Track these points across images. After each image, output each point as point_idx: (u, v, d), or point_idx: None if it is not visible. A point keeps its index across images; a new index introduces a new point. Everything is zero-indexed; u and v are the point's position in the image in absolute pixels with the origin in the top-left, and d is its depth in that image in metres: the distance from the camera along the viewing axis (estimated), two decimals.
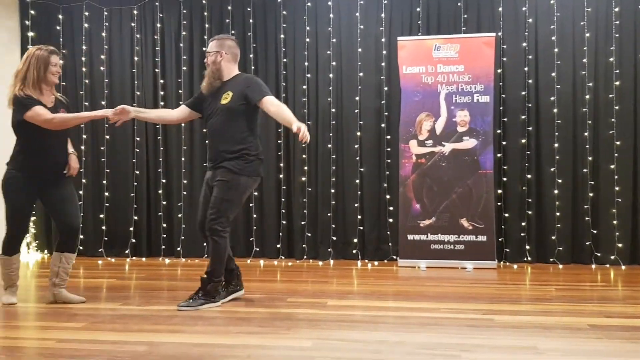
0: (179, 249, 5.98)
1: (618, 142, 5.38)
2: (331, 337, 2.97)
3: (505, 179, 5.56)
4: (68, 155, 3.82)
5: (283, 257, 5.84)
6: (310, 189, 5.87)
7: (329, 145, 5.83)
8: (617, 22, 5.41)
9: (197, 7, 6.02)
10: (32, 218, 6.19)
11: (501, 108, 5.56)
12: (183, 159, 6.02)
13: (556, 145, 5.47)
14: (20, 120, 3.60)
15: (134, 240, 6.05)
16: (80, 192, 6.10)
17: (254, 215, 5.92)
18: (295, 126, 3.33)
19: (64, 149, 3.82)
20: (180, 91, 6.04)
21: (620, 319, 3.36)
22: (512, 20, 5.59)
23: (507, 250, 5.54)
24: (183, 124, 6.00)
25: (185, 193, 6.01)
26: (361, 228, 5.80)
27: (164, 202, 6.06)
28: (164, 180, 6.07)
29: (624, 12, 5.42)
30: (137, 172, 6.08)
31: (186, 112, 3.91)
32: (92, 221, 6.13)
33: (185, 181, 6.02)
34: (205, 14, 5.99)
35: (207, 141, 3.75)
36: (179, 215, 6.01)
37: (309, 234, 5.84)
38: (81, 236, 6.09)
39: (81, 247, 6.10)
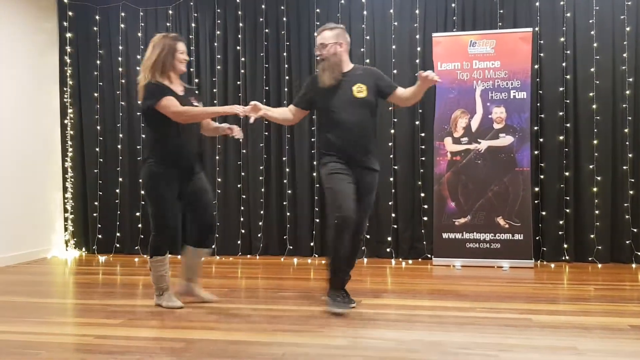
0: (213, 247, 6.03)
1: None
2: (366, 335, 2.97)
3: (542, 177, 5.45)
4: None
5: (316, 256, 5.86)
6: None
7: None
8: None
9: (231, 6, 6.07)
10: (71, 216, 6.38)
11: (538, 104, 5.45)
12: (217, 157, 6.07)
13: (595, 142, 5.33)
14: (152, 107, 3.49)
15: None
16: (117, 191, 6.23)
17: (288, 214, 5.94)
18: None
19: (198, 137, 3.79)
20: (214, 90, 6.10)
21: None
22: (549, 14, 5.47)
23: (545, 249, 5.44)
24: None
25: (219, 191, 6.06)
26: (395, 226, 5.77)
27: None
28: None
29: None
30: None
31: (299, 112, 3.80)
32: (129, 219, 6.24)
33: (219, 179, 6.07)
34: (239, 12, 6.03)
35: (330, 135, 3.55)
36: (214, 213, 6.05)
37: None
38: (118, 234, 6.24)
39: (117, 245, 6.24)
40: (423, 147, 5.69)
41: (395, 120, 5.75)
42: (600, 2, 5.36)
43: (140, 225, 6.17)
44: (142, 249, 6.14)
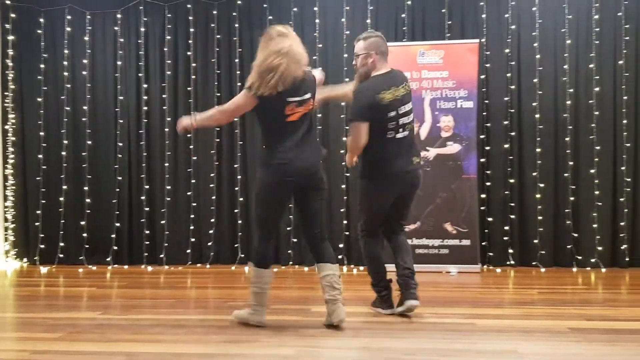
0: (162, 256, 5.92)
1: (598, 147, 5.44)
2: (314, 344, 2.97)
3: (488, 184, 5.60)
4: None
5: None
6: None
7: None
8: (597, 29, 5.48)
9: (181, 11, 5.99)
10: (11, 225, 6.15)
11: (484, 113, 5.60)
12: (167, 164, 5.98)
13: (538, 150, 5.52)
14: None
15: (115, 248, 5.97)
16: (61, 199, 6.04)
17: (239, 222, 5.90)
18: None
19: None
20: (164, 96, 6.00)
21: (600, 321, 3.40)
22: (495, 26, 5.64)
23: (491, 254, 5.57)
24: (167, 129, 5.98)
25: (169, 199, 5.96)
26: (347, 233, 5.79)
27: (147, 209, 5.99)
28: (147, 187, 6.01)
29: (603, 19, 5.49)
30: (120, 178, 6.01)
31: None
32: (73, 228, 6.05)
33: (169, 187, 5.97)
34: (190, 18, 5.96)
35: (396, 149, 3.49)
36: (162, 222, 5.95)
37: (295, 240, 5.81)
38: (61, 244, 6.04)
39: (61, 255, 6.03)
40: None
41: (347, 128, 5.78)
42: (543, 16, 5.55)
43: (85, 235, 6.00)
44: (87, 259, 5.97)
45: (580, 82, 5.53)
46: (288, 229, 5.81)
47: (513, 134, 5.58)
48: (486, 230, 5.58)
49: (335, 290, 3.23)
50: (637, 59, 5.47)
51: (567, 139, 5.51)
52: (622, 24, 5.45)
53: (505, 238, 5.55)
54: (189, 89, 5.99)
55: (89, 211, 6.02)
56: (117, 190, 6.01)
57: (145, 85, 6.02)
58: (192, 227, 5.94)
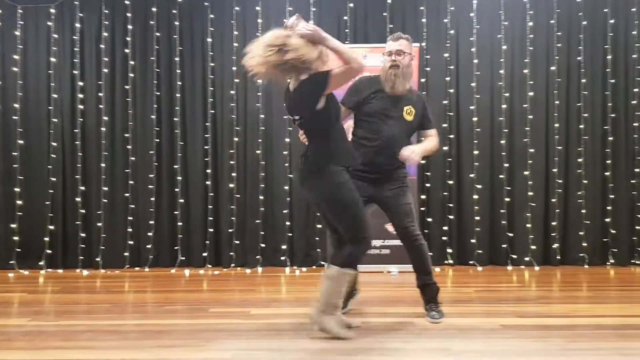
0: (98, 259, 5.74)
1: (531, 150, 5.65)
2: (251, 347, 2.94)
3: (428, 185, 5.71)
4: None
5: (210, 266, 5.74)
6: (238, 196, 5.80)
7: (258, 152, 5.78)
8: (531, 36, 5.68)
9: (119, 7, 5.83)
10: None
11: None
12: (103, 165, 5.80)
13: (475, 152, 5.67)
14: None
15: (49, 251, 5.74)
16: None
17: (179, 224, 5.79)
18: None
19: None
20: (100, 94, 5.82)
21: (531, 318, 3.51)
22: (434, 31, 5.76)
23: (430, 253, 5.61)
24: (103, 129, 5.81)
25: (105, 201, 5.79)
26: (290, 235, 5.78)
27: (83, 211, 5.80)
28: (82, 188, 5.81)
29: (537, 27, 5.70)
30: (53, 179, 5.79)
31: (347, 113, 3.54)
32: (3, 231, 5.78)
33: (105, 188, 5.80)
34: (129, 14, 5.81)
35: (365, 142, 3.43)
36: (99, 224, 5.77)
37: (237, 242, 5.76)
38: None
39: None
40: None
41: (291, 129, 5.78)
42: (480, 22, 5.71)
43: (16, 238, 5.74)
44: (19, 263, 5.71)
45: (515, 86, 5.73)
46: (230, 231, 5.74)
47: (452, 136, 5.71)
48: (426, 231, 5.68)
49: None
50: (568, 65, 5.71)
51: (502, 141, 5.69)
52: (554, 32, 5.68)
53: (444, 238, 5.68)
54: (126, 87, 5.83)
55: (20, 213, 5.77)
56: (51, 191, 5.79)
57: (80, 83, 5.82)
58: (130, 230, 5.79)
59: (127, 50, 5.83)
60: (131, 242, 5.78)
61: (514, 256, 5.65)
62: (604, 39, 5.70)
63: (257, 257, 5.73)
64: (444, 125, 5.69)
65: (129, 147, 5.83)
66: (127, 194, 5.81)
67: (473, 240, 5.63)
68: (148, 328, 3.36)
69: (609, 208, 5.66)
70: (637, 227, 5.63)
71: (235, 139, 5.80)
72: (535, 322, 3.39)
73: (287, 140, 5.78)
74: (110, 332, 3.28)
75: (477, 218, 5.64)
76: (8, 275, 5.46)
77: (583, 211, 5.63)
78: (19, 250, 5.74)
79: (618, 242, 5.63)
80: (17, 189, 5.78)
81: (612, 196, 5.66)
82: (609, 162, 5.67)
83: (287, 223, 5.76)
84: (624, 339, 2.98)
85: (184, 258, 5.76)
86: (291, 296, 4.37)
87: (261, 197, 5.78)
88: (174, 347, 2.94)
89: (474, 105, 5.69)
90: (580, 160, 5.66)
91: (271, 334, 3.18)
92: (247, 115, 5.82)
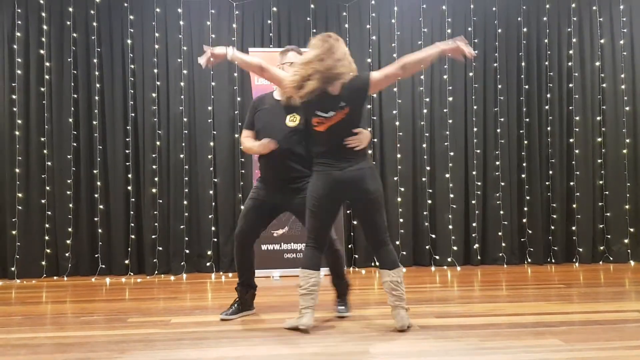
0: (13, 269, 5.47)
1: (452, 153, 5.85)
2: (167, 357, 2.88)
3: None
4: None
5: (132, 274, 5.59)
6: (161, 201, 5.68)
7: (182, 156, 5.69)
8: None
9: (33, 6, 5.58)
10: None
11: None
12: (17, 170, 5.53)
13: (398, 156, 5.81)
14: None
15: None
16: None
17: (99, 230, 5.60)
18: None
19: None
20: (14, 96, 5.55)
21: (450, 318, 3.61)
22: (357, 37, 5.86)
23: (356, 256, 5.78)
24: (17, 132, 5.55)
25: (20, 208, 5.52)
26: (215, 240, 5.72)
27: None
28: None
29: (455, 33, 5.85)
30: None
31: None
32: None
33: (20, 194, 5.53)
34: (43, 14, 5.57)
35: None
36: (13, 232, 5.50)
37: (161, 248, 5.64)
38: None
39: None
40: (243, 159, 5.73)
41: (215, 132, 5.72)
42: (400, 28, 5.87)
43: None
44: None
45: (435, 92, 5.92)
46: (153, 237, 5.61)
47: (375, 140, 5.83)
48: (352, 233, 5.77)
49: (393, 296, 3.31)
50: (484, 71, 5.96)
51: (424, 145, 5.85)
52: (472, 39, 5.90)
53: None
54: (42, 89, 5.60)
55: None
56: None
57: None
58: (47, 238, 5.56)
59: (42, 51, 5.59)
60: (48, 250, 5.56)
61: (437, 257, 5.82)
62: (518, 47, 5.98)
63: (182, 263, 5.63)
64: (368, 129, 5.78)
65: (45, 151, 5.59)
66: (43, 200, 5.57)
67: (397, 242, 5.76)
68: (61, 340, 3.23)
69: (525, 209, 5.94)
70: (552, 227, 5.94)
71: (158, 143, 5.67)
72: (454, 322, 3.49)
73: (212, 144, 5.71)
74: (20, 346, 3.12)
75: (401, 220, 5.78)
76: None
77: (501, 212, 5.88)
78: None
79: (534, 242, 5.91)
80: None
81: (528, 197, 5.94)
82: (524, 164, 5.95)
83: (213, 228, 5.70)
84: (537, 337, 3.11)
85: (104, 266, 5.59)
86: (216, 303, 4.31)
87: (185, 202, 5.68)
88: None
89: (396, 110, 5.83)
90: (497, 163, 5.91)
91: (189, 343, 3.13)
92: (170, 119, 5.71)
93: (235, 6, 5.73)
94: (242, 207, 5.57)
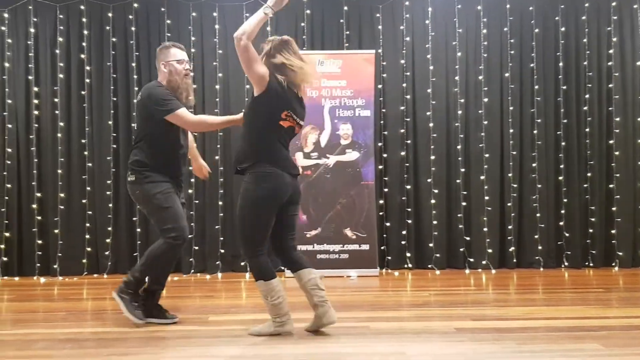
0: (55, 266, 5.64)
1: (487, 155, 5.79)
2: (206, 354, 2.94)
3: (386, 190, 5.80)
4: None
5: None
6: (197, 202, 5.77)
7: (217, 157, 5.78)
8: (485, 43, 5.83)
9: (74, 12, 5.75)
10: None
11: (382, 122, 5.80)
12: (60, 171, 5.71)
13: (432, 157, 5.78)
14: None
15: (5, 259, 5.63)
16: None
17: (138, 230, 5.73)
18: None
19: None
20: (56, 100, 5.73)
21: (486, 321, 3.57)
22: (390, 38, 5.86)
23: (389, 258, 5.77)
24: (59, 135, 5.72)
25: (62, 207, 5.69)
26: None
27: (39, 217, 5.70)
28: (38, 194, 5.71)
29: (491, 34, 5.86)
30: (8, 186, 5.67)
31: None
32: None
33: (62, 195, 5.70)
34: (84, 19, 5.74)
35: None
36: (56, 231, 5.68)
37: (197, 247, 5.74)
38: None
39: None
40: None
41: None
42: (435, 29, 5.84)
43: (2, 246, 5.64)
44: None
45: (470, 92, 5.86)
46: (190, 236, 5.70)
47: (409, 141, 5.81)
48: (384, 235, 5.77)
49: (322, 291, 3.28)
50: (521, 71, 5.88)
51: (458, 146, 5.81)
52: (508, 39, 5.84)
53: (403, 242, 5.76)
54: (82, 92, 5.76)
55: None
56: (6, 198, 5.67)
57: (35, 89, 5.73)
58: (87, 236, 5.71)
59: (82, 56, 5.76)
60: (89, 249, 5.71)
61: (471, 259, 5.77)
62: (556, 47, 5.88)
63: (217, 262, 5.72)
64: (401, 130, 5.80)
65: (86, 153, 5.75)
66: (84, 200, 5.73)
67: (431, 244, 5.73)
68: (104, 336, 3.33)
69: (562, 212, 5.83)
70: (590, 230, 5.82)
71: (194, 145, 5.75)
72: (490, 325, 3.45)
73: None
74: (67, 340, 3.23)
75: (435, 222, 5.75)
76: None
77: (538, 215, 5.79)
78: (5, 259, 5.64)
79: (572, 245, 5.80)
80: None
81: (565, 200, 5.83)
82: (562, 166, 5.85)
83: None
84: (575, 341, 3.07)
85: None
86: (251, 302, 4.37)
87: (220, 203, 5.77)
88: (128, 355, 2.92)
89: (430, 111, 5.80)
90: (534, 165, 5.82)
91: (227, 341, 3.18)
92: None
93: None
94: None
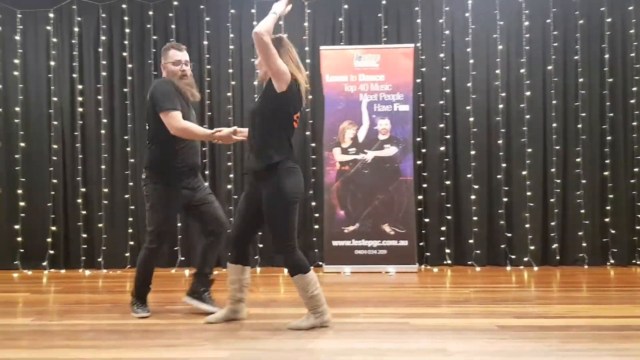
0: (100, 260, 5.79)
1: (529, 150, 5.67)
2: (249, 346, 2.97)
3: (425, 186, 5.74)
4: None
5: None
6: (236, 197, 5.83)
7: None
8: (527, 36, 5.71)
9: (116, 11, 5.88)
10: None
11: (420, 117, 5.74)
12: (103, 166, 5.85)
13: (472, 152, 5.69)
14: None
15: (51, 252, 5.81)
16: None
17: (179, 224, 5.82)
18: None
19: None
20: (99, 97, 5.87)
21: (528, 319, 3.51)
22: (429, 32, 5.79)
23: (428, 254, 5.71)
24: (103, 131, 5.86)
25: (106, 202, 5.84)
26: (131, 243, 5.79)
27: (84, 212, 5.86)
28: (83, 189, 5.87)
29: (533, 26, 5.72)
30: (55, 181, 5.85)
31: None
32: (7, 232, 5.84)
33: (105, 190, 5.85)
34: (126, 18, 5.86)
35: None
36: (100, 225, 5.83)
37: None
38: None
39: None
40: (314, 156, 5.80)
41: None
42: (475, 22, 5.74)
43: (19, 239, 5.80)
44: (22, 263, 5.78)
45: (511, 86, 5.75)
46: (228, 231, 5.76)
47: (448, 136, 5.74)
48: (423, 231, 5.71)
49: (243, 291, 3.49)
50: (565, 64, 5.73)
51: (499, 141, 5.71)
52: (551, 31, 5.70)
53: (442, 238, 5.70)
54: (125, 90, 5.89)
55: (23, 215, 5.84)
56: (52, 193, 5.86)
57: (80, 86, 5.88)
58: (130, 230, 5.84)
59: (124, 54, 5.88)
60: (132, 243, 5.83)
61: (513, 256, 5.67)
62: (601, 38, 5.71)
63: (256, 257, 5.77)
64: (441, 125, 5.73)
65: (128, 149, 5.88)
66: (127, 195, 5.86)
67: (471, 241, 5.65)
68: (148, 327, 3.40)
69: (608, 208, 5.67)
70: (637, 227, 5.64)
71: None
72: (532, 323, 3.39)
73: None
74: (113, 331, 3.32)
75: (475, 218, 5.67)
76: (12, 276, 5.53)
77: (582, 211, 5.64)
78: (23, 251, 5.82)
79: (618, 242, 5.64)
80: (19, 191, 5.85)
81: (611, 196, 5.67)
82: (607, 161, 5.68)
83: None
84: (623, 340, 2.98)
85: (183, 258, 5.81)
86: (289, 296, 4.40)
87: None
88: (172, 347, 2.98)
89: (470, 106, 5.71)
90: (578, 159, 5.67)
91: (269, 334, 3.22)
92: (244, 117, 5.83)
93: (307, 5, 5.80)
94: (313, 203, 5.72)
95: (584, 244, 5.63)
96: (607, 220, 5.67)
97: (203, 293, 3.74)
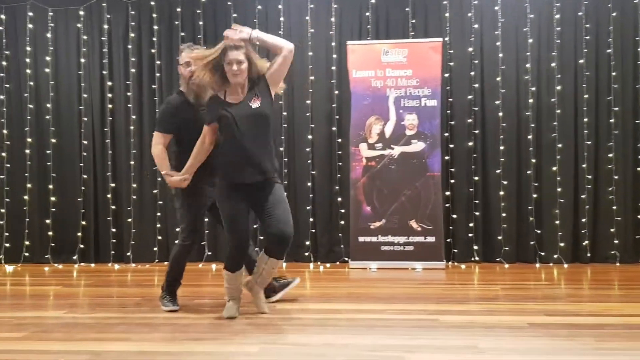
0: (128, 254, 5.88)
1: (560, 145, 5.57)
2: (278, 341, 2.98)
3: (452, 181, 5.68)
4: None
5: None
6: None
7: (281, 149, 5.83)
8: (558, 29, 5.60)
9: (145, 8, 5.94)
10: None
11: (448, 112, 5.68)
12: (132, 162, 5.93)
13: (501, 147, 5.62)
14: None
15: (82, 246, 5.92)
16: (25, 197, 5.95)
17: (206, 219, 5.86)
18: None
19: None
20: (128, 94, 5.94)
21: (559, 317, 3.46)
22: (458, 25, 5.72)
23: (455, 250, 5.66)
24: (132, 127, 5.94)
25: (134, 197, 5.92)
26: (313, 231, 5.82)
27: (113, 207, 5.95)
28: (112, 184, 5.96)
29: (564, 19, 5.61)
30: (85, 176, 5.95)
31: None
32: (38, 227, 5.97)
33: (134, 185, 5.92)
34: (154, 15, 5.92)
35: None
36: (129, 220, 5.91)
37: (261, 237, 5.82)
38: (27, 242, 5.95)
39: (27, 254, 5.97)
40: (340, 152, 5.79)
41: (313, 126, 5.81)
42: (505, 15, 5.65)
43: (50, 233, 5.92)
44: (53, 257, 5.89)
45: (542, 80, 5.65)
46: (255, 226, 5.81)
47: (477, 132, 5.67)
48: (451, 227, 5.66)
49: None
50: (597, 58, 5.61)
51: (529, 136, 5.62)
52: (583, 24, 5.59)
53: (470, 235, 5.64)
54: (153, 86, 5.95)
55: (54, 209, 5.96)
56: (83, 188, 5.96)
57: (109, 83, 5.97)
58: (158, 225, 5.91)
59: (153, 50, 5.94)
60: (160, 237, 5.90)
61: (542, 253, 5.58)
62: (635, 31, 5.58)
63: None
64: (469, 120, 5.66)
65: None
66: (155, 191, 5.93)
67: (500, 237, 5.58)
68: (178, 321, 3.43)
69: None
70: None
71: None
72: (564, 321, 3.34)
73: (310, 137, 5.81)
74: (142, 324, 3.36)
75: (504, 214, 5.59)
76: (44, 269, 5.64)
77: (614, 207, 5.53)
78: (54, 245, 5.95)
79: None
80: (50, 186, 5.97)
81: None
82: None
83: (311, 219, 5.80)
84: None
85: (210, 253, 5.86)
86: (315, 292, 4.41)
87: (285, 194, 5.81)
88: (203, 340, 3.00)
89: (500, 100, 5.63)
90: (610, 155, 5.56)
91: (297, 329, 3.22)
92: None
93: (334, 0, 5.78)
94: (339, 199, 5.71)
95: (616, 241, 5.52)
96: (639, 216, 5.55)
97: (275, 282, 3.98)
